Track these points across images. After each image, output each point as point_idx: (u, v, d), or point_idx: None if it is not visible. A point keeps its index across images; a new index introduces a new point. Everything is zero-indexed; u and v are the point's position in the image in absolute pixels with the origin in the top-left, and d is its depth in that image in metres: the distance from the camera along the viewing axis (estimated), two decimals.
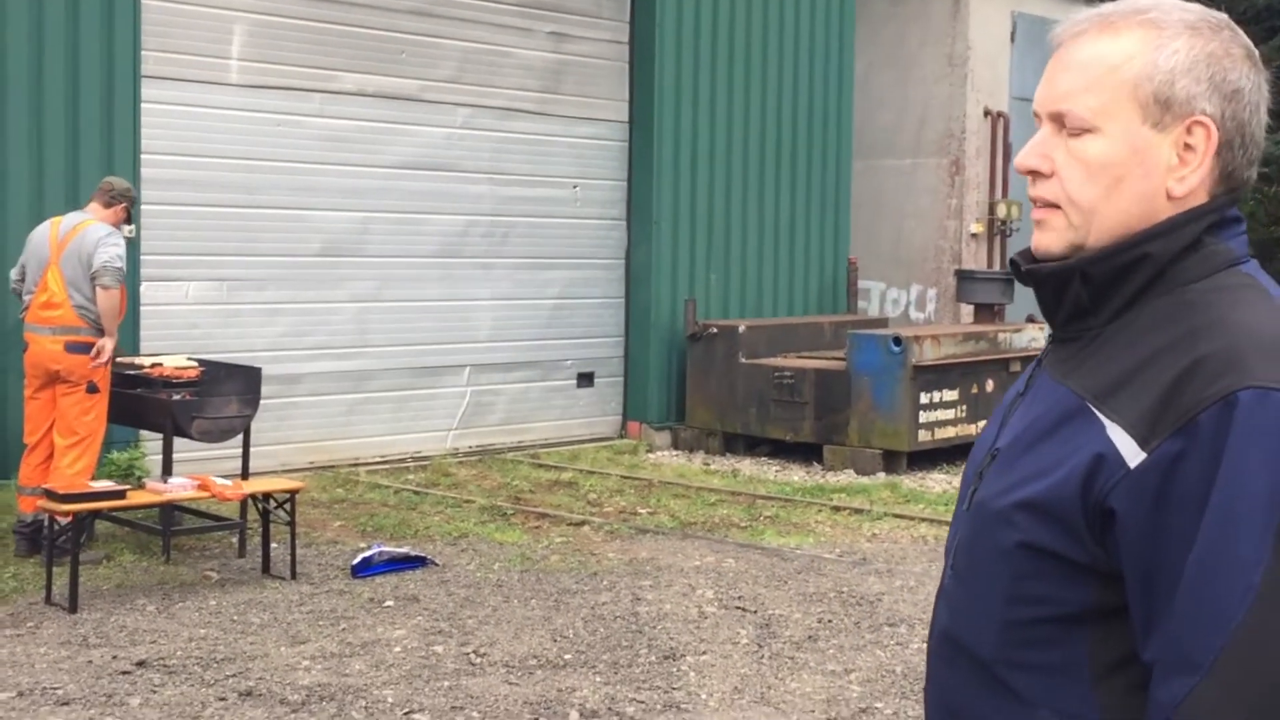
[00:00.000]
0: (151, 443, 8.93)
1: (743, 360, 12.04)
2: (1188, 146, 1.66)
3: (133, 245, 9.59)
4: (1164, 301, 1.66)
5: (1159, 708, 1.55)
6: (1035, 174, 1.74)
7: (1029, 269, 1.78)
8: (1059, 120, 1.71)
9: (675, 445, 12.48)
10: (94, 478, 7.84)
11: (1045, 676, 1.66)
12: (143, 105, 9.76)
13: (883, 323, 13.73)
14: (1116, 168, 1.67)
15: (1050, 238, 1.73)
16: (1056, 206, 1.72)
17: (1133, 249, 1.67)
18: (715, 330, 12.24)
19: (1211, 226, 1.68)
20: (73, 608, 6.77)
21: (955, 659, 1.78)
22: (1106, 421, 1.61)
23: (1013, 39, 15.39)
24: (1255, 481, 1.51)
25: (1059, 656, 1.65)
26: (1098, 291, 1.70)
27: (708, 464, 11.74)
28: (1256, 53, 1.71)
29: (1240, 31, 1.70)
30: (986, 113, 14.98)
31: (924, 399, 11.25)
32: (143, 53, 9.76)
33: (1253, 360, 1.55)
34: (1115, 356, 1.66)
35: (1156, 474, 1.56)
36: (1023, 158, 1.75)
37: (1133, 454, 1.57)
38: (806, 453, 11.74)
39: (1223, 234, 1.69)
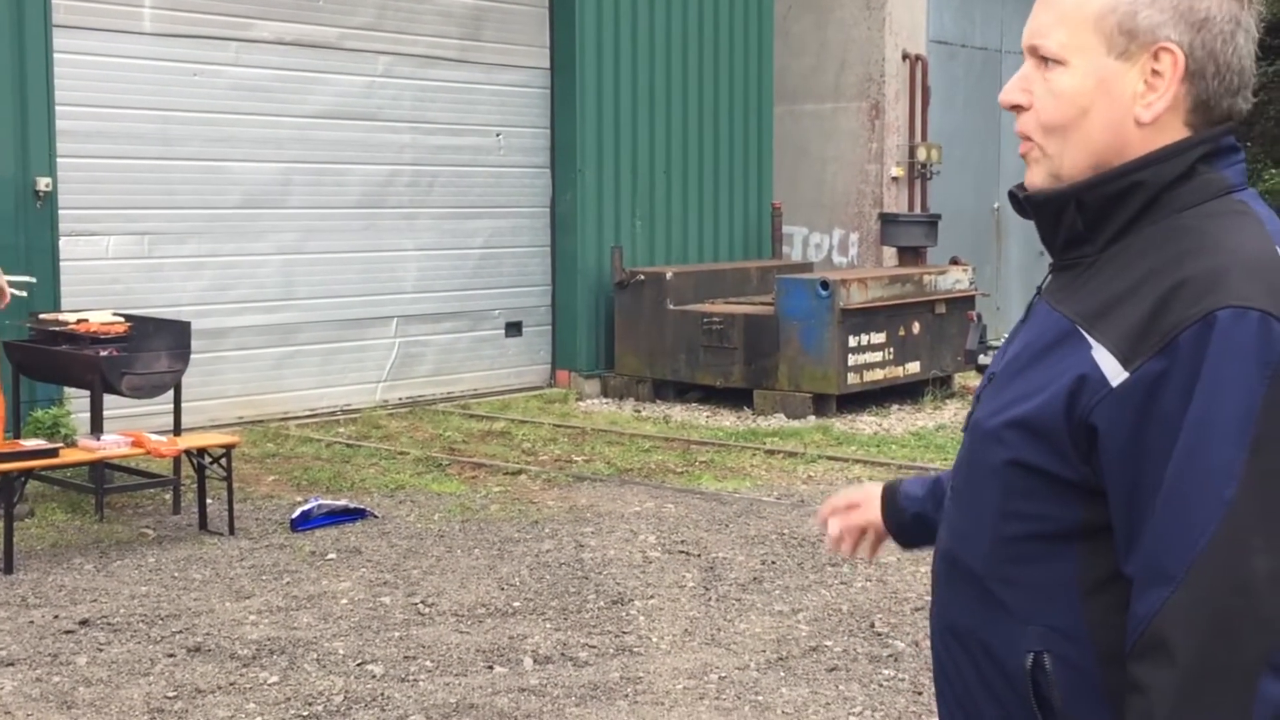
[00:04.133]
0: (78, 400, 8.74)
1: (671, 307, 12.03)
2: (1155, 73, 1.70)
3: (50, 199, 9.39)
4: (1157, 228, 1.70)
5: (1137, 620, 1.60)
6: (1017, 108, 1.80)
7: (1027, 195, 1.83)
8: (1034, 54, 1.77)
9: (605, 393, 12.47)
10: (17, 436, 7.68)
11: (1035, 592, 1.71)
12: (55, 55, 9.50)
13: (807, 267, 13.78)
14: (1082, 98, 1.73)
15: (1033, 171, 1.80)
16: (1033, 141, 1.79)
17: (1126, 176, 1.72)
18: (642, 277, 12.22)
19: (1206, 156, 1.72)
20: (8, 568, 6.63)
21: (954, 577, 1.84)
22: (1093, 343, 1.66)
23: None
24: (1229, 398, 1.55)
25: (1048, 573, 1.70)
26: (1092, 218, 1.74)
27: (638, 411, 11.75)
28: None
29: None
30: (905, 56, 15.02)
31: (852, 342, 11.32)
32: (53, 1, 9.49)
33: (1234, 280, 1.59)
34: (1107, 281, 1.71)
35: (1139, 392, 1.60)
36: (1005, 93, 1.81)
37: (1115, 373, 1.62)
38: (736, 398, 11.78)
39: (1218, 163, 1.73)
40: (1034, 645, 1.71)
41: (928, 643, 6.44)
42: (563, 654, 5.65)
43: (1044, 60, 1.75)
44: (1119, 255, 1.72)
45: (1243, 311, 1.57)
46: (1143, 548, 1.60)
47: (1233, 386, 1.55)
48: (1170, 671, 1.56)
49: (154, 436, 7.45)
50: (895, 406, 11.84)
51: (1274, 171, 17.22)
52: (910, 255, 13.04)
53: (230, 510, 7.46)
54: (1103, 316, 1.67)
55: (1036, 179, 1.79)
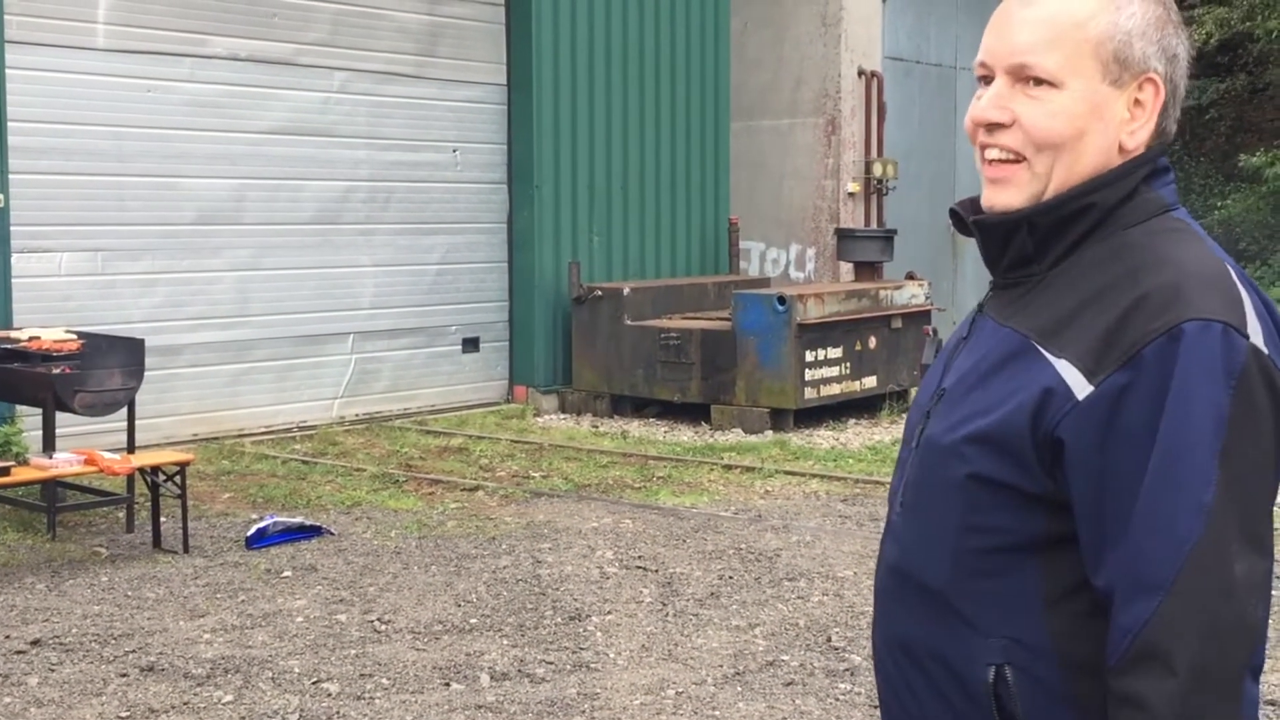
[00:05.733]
0: (30, 418, 8.67)
1: (628, 322, 12.04)
2: (1137, 102, 1.75)
3: (2, 215, 9.32)
4: (1103, 246, 1.74)
5: (1123, 631, 1.61)
6: (995, 126, 1.77)
7: (976, 219, 1.83)
8: (1017, 73, 1.76)
9: (562, 409, 12.46)
10: None
11: (998, 605, 1.72)
12: (7, 72, 9.44)
13: (765, 282, 13.81)
14: (1078, 121, 1.74)
15: (1010, 193, 1.78)
16: (1017, 161, 1.76)
17: (1080, 198, 1.75)
18: (600, 293, 12.22)
19: (1146, 176, 1.77)
20: None
21: (905, 592, 1.83)
22: (1052, 358, 1.69)
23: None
24: (1201, 408, 1.59)
25: (1011, 585, 1.71)
26: (1042, 239, 1.77)
27: (596, 426, 11.75)
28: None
29: None
30: (860, 73, 15.10)
31: (809, 357, 11.36)
32: (6, 17, 9.43)
33: (1194, 294, 1.63)
34: (1058, 298, 1.74)
35: (1104, 405, 1.63)
36: (982, 111, 1.78)
37: (1081, 387, 1.65)
38: (694, 413, 11.80)
39: (1155, 183, 1.78)
40: (995, 658, 1.72)
41: None
42: (520, 670, 5.64)
43: (1029, 80, 1.74)
44: (1067, 272, 1.76)
45: (1207, 324, 1.61)
46: (1121, 559, 1.62)
47: (1203, 397, 1.59)
48: (1171, 681, 1.57)
49: (107, 454, 7.38)
50: (852, 421, 11.89)
51: (1226, 202, 17.39)
52: (866, 270, 13.11)
53: (184, 528, 7.41)
54: (1059, 332, 1.70)
55: (1014, 201, 1.77)
